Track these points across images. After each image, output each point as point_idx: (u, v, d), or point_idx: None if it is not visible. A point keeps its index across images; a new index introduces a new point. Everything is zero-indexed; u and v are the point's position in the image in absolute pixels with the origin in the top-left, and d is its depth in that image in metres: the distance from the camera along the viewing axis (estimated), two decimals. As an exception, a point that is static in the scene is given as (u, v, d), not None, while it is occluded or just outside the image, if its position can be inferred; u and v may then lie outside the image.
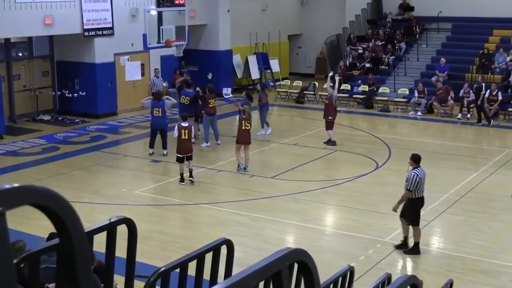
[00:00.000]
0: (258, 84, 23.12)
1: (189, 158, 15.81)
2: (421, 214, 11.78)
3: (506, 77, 25.01)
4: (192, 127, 16.41)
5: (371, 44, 28.73)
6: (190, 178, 15.77)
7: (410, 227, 11.74)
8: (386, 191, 15.25)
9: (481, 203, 14.46)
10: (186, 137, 15.66)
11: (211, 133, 19.56)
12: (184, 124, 15.79)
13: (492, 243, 12.17)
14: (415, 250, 11.73)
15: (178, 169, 15.90)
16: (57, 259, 1.80)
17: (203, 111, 19.37)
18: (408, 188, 11.45)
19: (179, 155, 15.76)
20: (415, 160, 11.67)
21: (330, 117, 19.33)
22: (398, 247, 11.88)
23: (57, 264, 1.77)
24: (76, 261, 1.70)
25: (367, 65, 28.23)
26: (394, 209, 11.76)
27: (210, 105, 19.40)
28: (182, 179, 15.84)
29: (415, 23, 29.66)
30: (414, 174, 11.41)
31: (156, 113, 18.08)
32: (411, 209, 11.61)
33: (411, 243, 11.83)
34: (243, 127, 16.79)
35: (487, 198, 14.79)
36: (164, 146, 18.31)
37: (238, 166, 16.95)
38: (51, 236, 7.00)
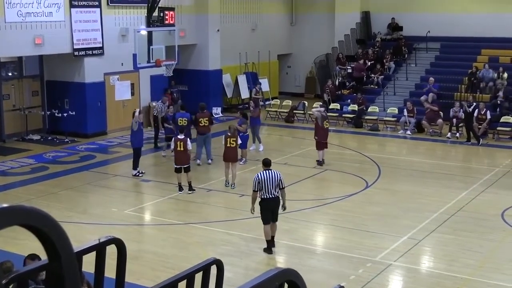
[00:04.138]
0: (252, 100, 23.17)
1: (186, 169, 16.49)
2: (268, 214, 12.40)
3: (495, 95, 25.18)
4: (188, 140, 16.73)
5: (355, 63, 29.08)
6: (189, 192, 16.45)
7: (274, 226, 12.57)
8: (376, 210, 15.27)
9: (471, 222, 14.48)
10: (182, 149, 16.34)
11: (203, 152, 19.59)
12: (180, 137, 16.51)
13: (483, 262, 12.17)
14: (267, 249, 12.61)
15: (165, 188, 15.98)
16: (45, 279, 1.79)
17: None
18: (253, 188, 12.30)
19: (176, 166, 16.53)
20: (264, 163, 12.60)
21: (316, 137, 19.51)
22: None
23: (46, 285, 1.76)
24: (65, 281, 1.69)
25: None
26: (251, 211, 12.62)
27: (200, 124, 19.44)
28: (180, 188, 16.59)
29: (403, 42, 29.86)
30: (255, 176, 12.25)
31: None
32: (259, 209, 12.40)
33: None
34: (228, 145, 16.95)
35: (477, 217, 14.81)
36: (134, 166, 18.46)
37: (226, 182, 17.16)
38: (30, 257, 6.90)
